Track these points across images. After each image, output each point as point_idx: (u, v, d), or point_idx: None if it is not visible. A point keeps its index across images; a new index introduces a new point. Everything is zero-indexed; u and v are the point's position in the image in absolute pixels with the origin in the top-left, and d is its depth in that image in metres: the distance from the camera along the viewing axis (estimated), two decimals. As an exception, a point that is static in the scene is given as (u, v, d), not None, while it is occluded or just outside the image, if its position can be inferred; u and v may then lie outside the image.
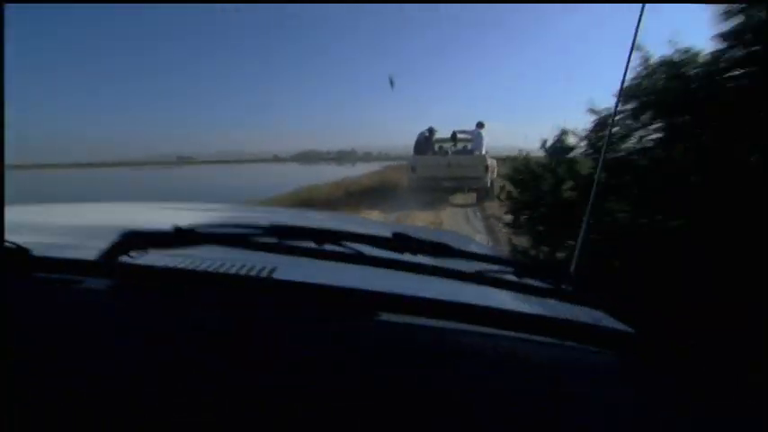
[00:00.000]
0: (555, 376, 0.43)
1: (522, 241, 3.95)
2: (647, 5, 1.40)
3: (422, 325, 0.49)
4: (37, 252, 0.59)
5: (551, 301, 0.62)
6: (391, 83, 9.30)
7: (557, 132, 4.09)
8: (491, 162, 9.88)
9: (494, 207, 7.92)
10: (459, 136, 11.15)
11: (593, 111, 3.51)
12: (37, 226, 1.09)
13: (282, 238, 0.63)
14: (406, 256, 0.62)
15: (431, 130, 10.75)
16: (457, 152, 10.82)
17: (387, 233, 0.67)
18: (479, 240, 4.98)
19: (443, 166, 9.68)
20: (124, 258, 0.61)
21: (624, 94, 3.04)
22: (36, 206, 1.46)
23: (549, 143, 4.17)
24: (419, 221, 7.20)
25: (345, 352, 0.44)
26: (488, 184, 9.67)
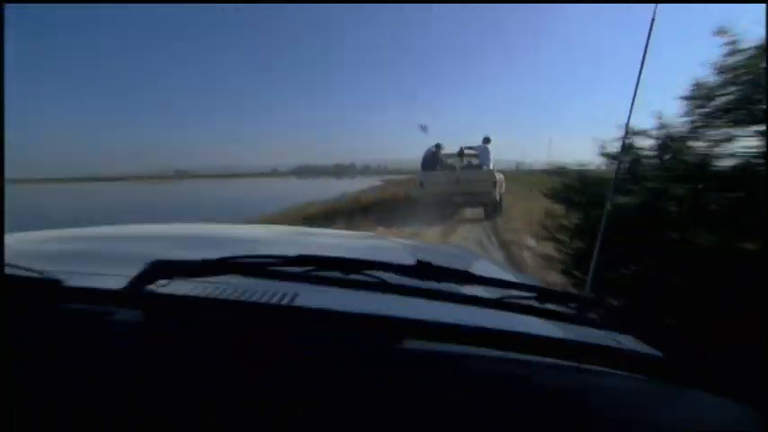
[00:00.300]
0: (584, 401, 0.45)
1: (559, 279, 3.26)
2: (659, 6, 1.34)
3: (448, 352, 0.51)
4: (67, 282, 0.61)
5: (575, 327, 0.64)
6: (423, 129, 9.62)
7: (619, 134, 2.89)
8: (499, 177, 9.83)
9: (509, 231, 7.56)
10: (466, 151, 11.14)
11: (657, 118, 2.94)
12: (65, 252, 1.11)
13: (309, 269, 0.65)
14: (431, 284, 0.63)
15: (438, 146, 10.71)
16: (465, 168, 10.75)
17: (410, 259, 0.69)
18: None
19: (452, 181, 9.64)
20: (151, 288, 0.62)
21: (698, 94, 2.68)
22: (63, 231, 1.50)
23: (603, 149, 3.20)
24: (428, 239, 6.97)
25: (372, 380, 0.46)
26: (497, 199, 9.67)
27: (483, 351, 0.51)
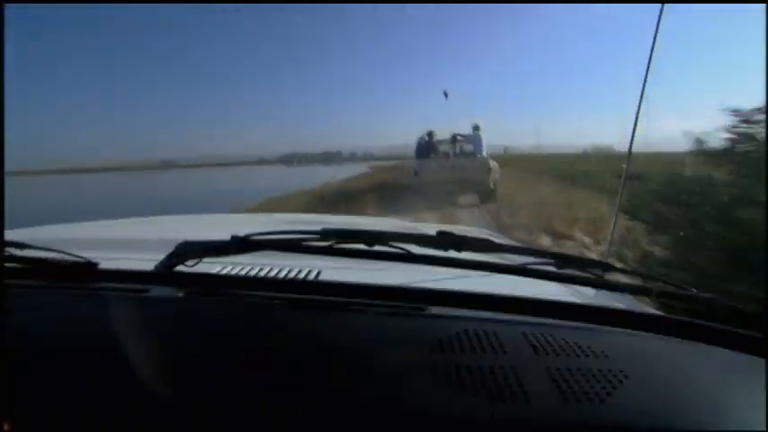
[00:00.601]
0: (610, 360, 0.46)
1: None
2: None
3: (474, 317, 0.54)
4: (104, 265, 0.66)
5: (595, 290, 0.66)
6: (445, 95, 9.52)
7: (729, 118, 2.26)
8: (493, 164, 9.89)
9: (517, 228, 6.74)
10: (458, 138, 11.14)
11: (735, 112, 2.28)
12: (99, 241, 1.19)
13: (334, 241, 0.65)
14: (451, 253, 0.64)
15: (431, 134, 10.67)
16: (459, 155, 10.77)
17: (430, 231, 0.69)
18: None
19: (446, 169, 9.68)
20: (182, 267, 0.65)
21: None
22: (95, 222, 1.65)
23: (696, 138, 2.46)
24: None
25: (411, 349, 0.48)
26: (491, 186, 9.74)
27: (509, 317, 0.55)
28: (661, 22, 1.34)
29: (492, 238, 0.71)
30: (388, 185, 13.29)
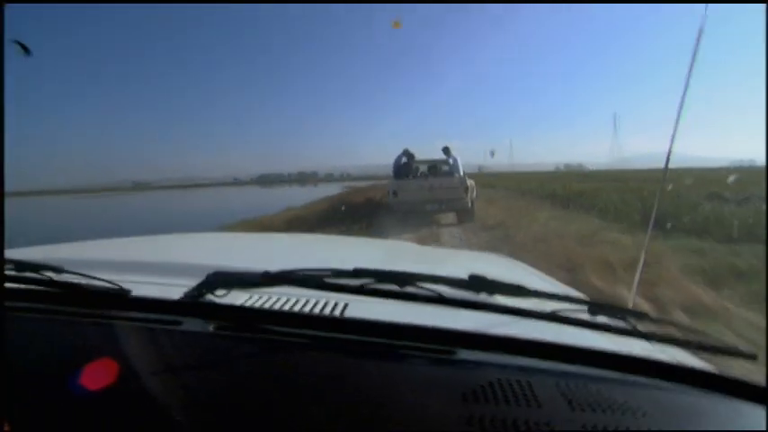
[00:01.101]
0: (640, 413, 0.45)
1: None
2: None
3: (505, 364, 0.53)
4: (135, 292, 0.68)
5: (626, 339, 0.62)
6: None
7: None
8: (470, 183, 9.96)
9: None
10: (432, 158, 11.40)
11: None
12: (121, 263, 1.16)
13: (365, 281, 0.65)
14: (483, 297, 0.64)
15: (408, 154, 10.73)
16: (437, 175, 10.85)
17: (459, 271, 0.68)
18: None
19: (425, 189, 9.69)
20: (211, 297, 0.66)
21: None
22: (115, 240, 1.64)
23: None
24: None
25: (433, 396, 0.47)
26: (469, 205, 9.77)
27: (537, 362, 0.54)
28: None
29: (525, 281, 0.71)
30: (361, 207, 13.25)
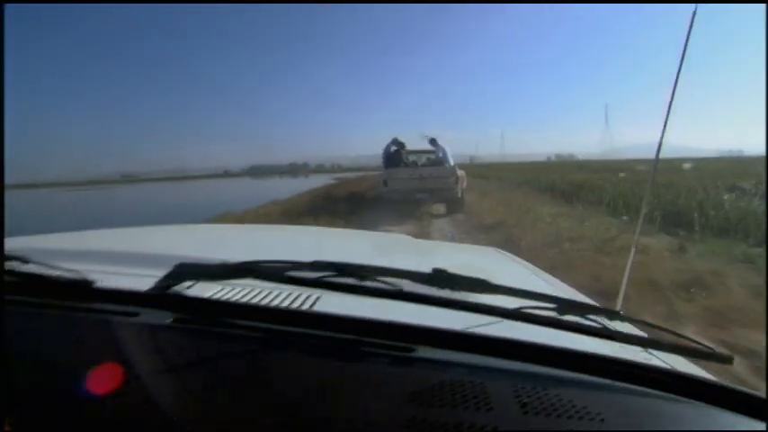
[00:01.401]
0: (601, 417, 0.43)
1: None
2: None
3: (460, 361, 0.52)
4: (99, 282, 0.66)
5: (595, 339, 0.59)
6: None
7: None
8: (460, 173, 9.95)
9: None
10: (421, 148, 11.37)
11: None
12: (91, 253, 1.16)
13: (325, 274, 0.64)
14: (446, 292, 0.62)
15: (398, 143, 10.67)
16: (427, 165, 10.85)
17: (430, 264, 0.67)
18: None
19: (415, 179, 9.67)
20: (177, 289, 0.65)
21: None
22: (90, 232, 1.63)
23: None
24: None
25: (386, 391, 0.47)
26: (459, 195, 9.74)
27: (496, 362, 0.52)
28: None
29: (495, 275, 0.68)
30: (344, 200, 13.18)
